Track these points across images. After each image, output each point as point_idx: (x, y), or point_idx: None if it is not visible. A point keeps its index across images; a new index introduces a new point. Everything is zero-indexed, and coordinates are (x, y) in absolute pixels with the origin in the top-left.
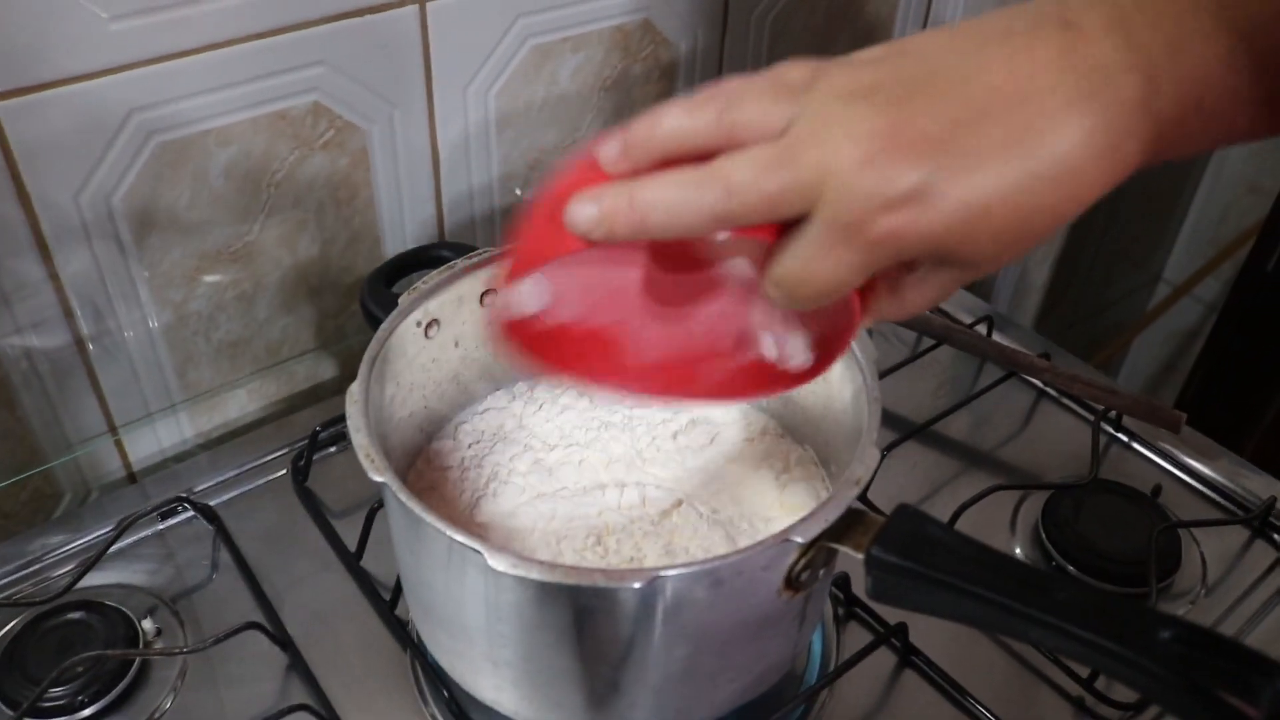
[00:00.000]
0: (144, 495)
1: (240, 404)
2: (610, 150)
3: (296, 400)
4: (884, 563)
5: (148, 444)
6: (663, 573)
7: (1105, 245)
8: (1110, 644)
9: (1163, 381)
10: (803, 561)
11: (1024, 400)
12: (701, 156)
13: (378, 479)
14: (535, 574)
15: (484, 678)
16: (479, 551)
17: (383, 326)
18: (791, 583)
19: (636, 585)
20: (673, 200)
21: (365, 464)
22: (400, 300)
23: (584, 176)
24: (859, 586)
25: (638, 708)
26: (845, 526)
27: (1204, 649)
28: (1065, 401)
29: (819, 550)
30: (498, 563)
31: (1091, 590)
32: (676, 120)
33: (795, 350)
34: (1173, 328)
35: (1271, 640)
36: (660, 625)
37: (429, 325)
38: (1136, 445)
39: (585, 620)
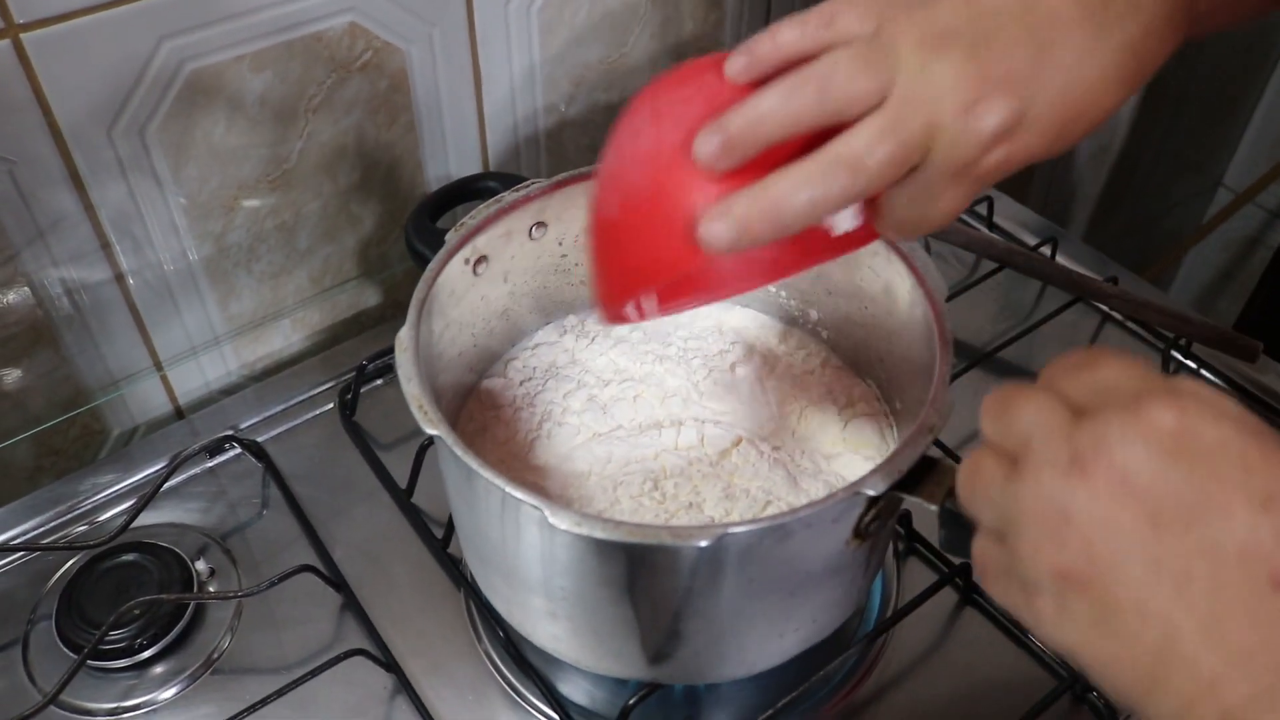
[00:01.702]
0: (192, 431)
1: (284, 334)
2: (711, 147)
3: (340, 329)
4: (960, 517)
5: (193, 378)
6: (730, 530)
7: (1165, 150)
8: None
9: (1220, 290)
10: (872, 512)
11: (1088, 326)
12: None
13: (431, 431)
14: (599, 533)
15: (541, 627)
16: (539, 508)
17: (430, 266)
18: (860, 532)
19: (703, 544)
20: (804, 194)
21: (418, 416)
22: (447, 237)
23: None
24: (919, 524)
25: (700, 658)
26: (918, 477)
27: None
28: (1132, 326)
29: (889, 500)
30: (559, 520)
31: None
32: (777, 109)
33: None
34: (1232, 235)
35: None
36: (725, 579)
37: (477, 262)
38: (1207, 374)
39: (648, 575)
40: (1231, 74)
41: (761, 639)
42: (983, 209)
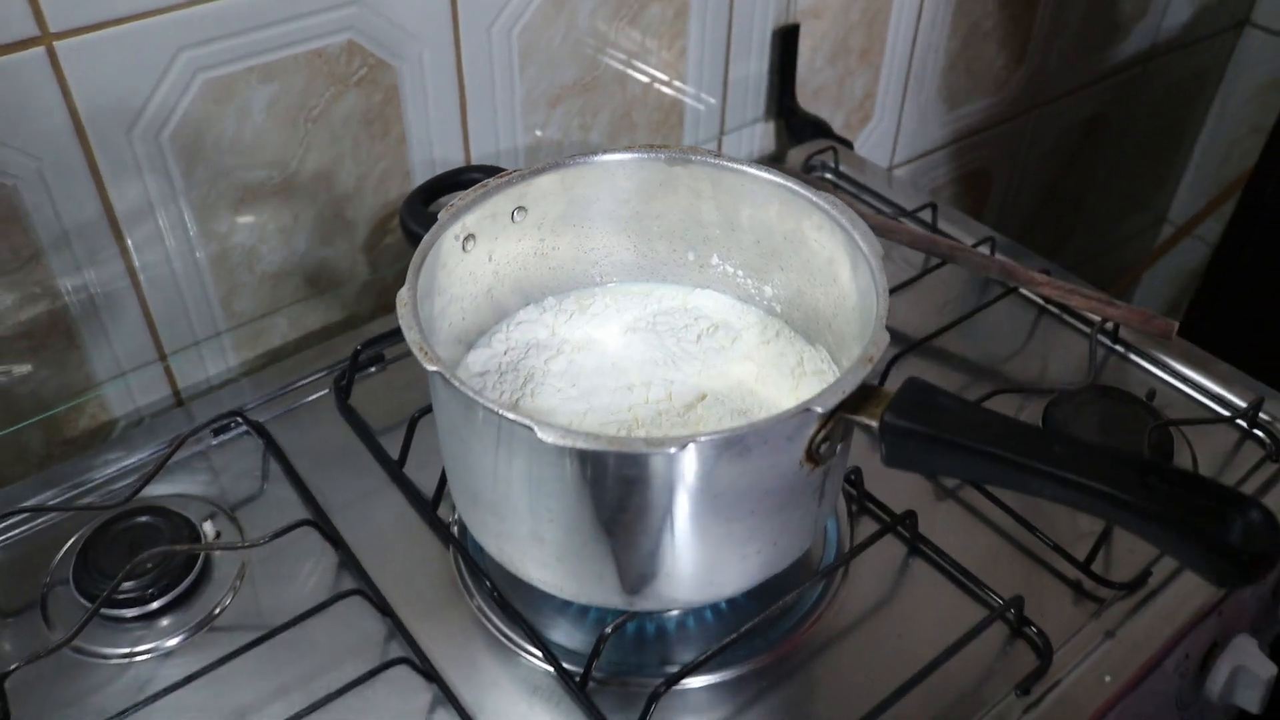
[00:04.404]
0: (193, 419)
1: (281, 333)
2: None
3: (334, 330)
4: (897, 428)
5: (195, 371)
6: (698, 439)
7: (1110, 186)
8: (1104, 488)
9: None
10: (822, 433)
11: (1026, 316)
12: None
13: (431, 368)
14: (582, 444)
15: (529, 556)
16: (530, 427)
17: (425, 238)
18: (812, 454)
19: (673, 450)
20: None
21: (419, 356)
22: (440, 215)
23: None
24: (871, 482)
25: (673, 579)
26: (860, 399)
27: (1186, 489)
28: (1066, 318)
29: (837, 422)
30: (547, 435)
31: (1086, 444)
32: None
33: None
34: (1177, 268)
35: None
36: (693, 493)
37: (466, 239)
38: (1133, 355)
39: (625, 490)
40: (1169, 112)
41: (726, 560)
42: (926, 216)
